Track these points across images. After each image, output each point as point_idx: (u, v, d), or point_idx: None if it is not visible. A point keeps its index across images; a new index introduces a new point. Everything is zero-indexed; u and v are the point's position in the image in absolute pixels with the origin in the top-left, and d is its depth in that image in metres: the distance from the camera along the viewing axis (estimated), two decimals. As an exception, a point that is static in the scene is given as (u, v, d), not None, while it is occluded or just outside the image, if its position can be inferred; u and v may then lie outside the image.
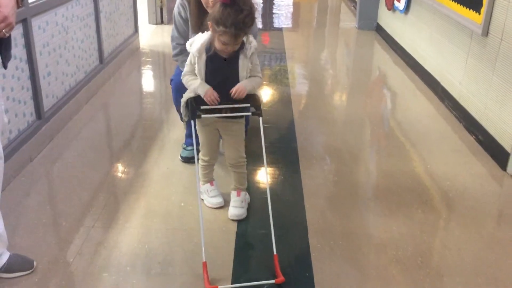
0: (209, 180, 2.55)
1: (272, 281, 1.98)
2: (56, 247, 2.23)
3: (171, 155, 3.06)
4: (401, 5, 5.21)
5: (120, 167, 2.96)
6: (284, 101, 4.07)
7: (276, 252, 2.08)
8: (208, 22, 2.10)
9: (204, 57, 2.18)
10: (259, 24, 7.21)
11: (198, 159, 2.42)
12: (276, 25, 7.29)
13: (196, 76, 2.22)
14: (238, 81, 2.20)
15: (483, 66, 3.30)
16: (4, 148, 2.65)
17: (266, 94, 4.24)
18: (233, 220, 2.42)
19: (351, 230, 2.39)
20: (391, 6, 5.64)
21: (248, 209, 2.48)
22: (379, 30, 6.28)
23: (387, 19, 5.95)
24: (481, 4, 3.27)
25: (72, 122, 3.49)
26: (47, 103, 3.21)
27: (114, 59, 4.55)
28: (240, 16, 2.01)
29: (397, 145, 3.34)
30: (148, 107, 3.99)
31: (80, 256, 2.17)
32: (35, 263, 2.08)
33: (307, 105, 4.09)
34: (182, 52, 2.75)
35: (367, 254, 2.22)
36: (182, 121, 2.57)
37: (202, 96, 2.17)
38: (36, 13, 2.99)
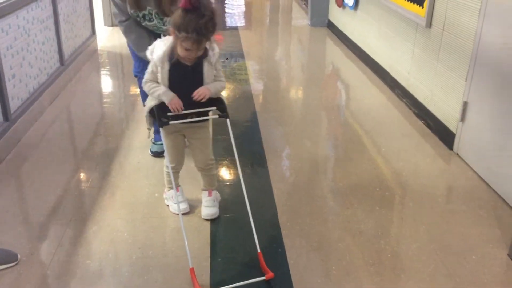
0: (176, 185, 2.46)
1: (263, 278, 2.02)
2: (37, 241, 2.30)
3: (140, 150, 3.16)
4: (350, 2, 5.47)
5: (90, 164, 3.04)
6: (246, 97, 4.23)
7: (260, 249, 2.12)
8: (170, 28, 2.07)
9: (167, 66, 2.14)
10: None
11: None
12: (230, 24, 7.44)
13: (159, 83, 2.19)
14: None
15: (428, 56, 3.57)
16: (-26, 150, 2.69)
17: (228, 91, 4.39)
18: (206, 219, 2.46)
19: (315, 209, 2.57)
20: (341, 3, 5.91)
21: (221, 210, 2.53)
22: (331, 26, 6.54)
23: (338, 16, 6.22)
24: (423, -1, 3.55)
25: (38, 123, 3.53)
26: (13, 105, 3.25)
27: (74, 61, 4.58)
28: (202, 21, 1.97)
29: (353, 132, 3.56)
30: (111, 107, 4.06)
31: (61, 247, 2.25)
32: (19, 256, 2.15)
33: (267, 100, 4.27)
34: (126, 28, 2.71)
35: (332, 228, 2.41)
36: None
37: (166, 103, 2.15)
38: (-1, 16, 3.03)
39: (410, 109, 3.87)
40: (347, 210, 2.58)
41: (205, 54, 2.15)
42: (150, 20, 2.63)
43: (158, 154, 3.05)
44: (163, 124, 2.18)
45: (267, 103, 4.17)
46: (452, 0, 3.19)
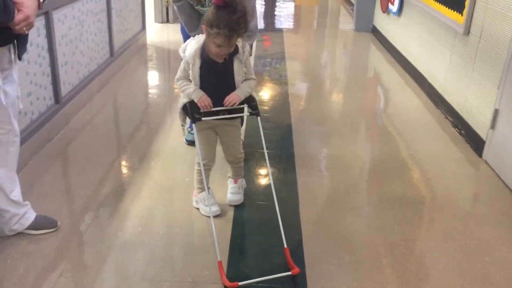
0: (207, 186, 2.44)
1: (289, 273, 2.06)
2: (76, 212, 2.52)
3: (177, 139, 3.35)
4: (394, 8, 5.51)
5: (131, 148, 3.25)
6: (282, 97, 4.36)
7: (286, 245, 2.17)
8: (202, 26, 2.12)
9: (198, 63, 2.19)
10: (261, 24, 7.51)
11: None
12: (278, 25, 7.59)
13: (190, 81, 2.26)
14: (233, 86, 2.25)
15: (465, 63, 3.59)
16: (26, 128, 2.96)
17: (265, 90, 4.53)
18: (231, 205, 2.57)
19: (336, 203, 2.68)
20: (385, 9, 5.94)
21: (244, 199, 2.62)
22: (375, 31, 6.58)
23: (382, 21, 6.25)
24: (463, 6, 3.57)
25: (85, 109, 3.79)
26: (64, 89, 3.51)
27: (123, 53, 4.85)
28: (234, 17, 2.02)
29: (386, 134, 3.63)
30: (155, 97, 4.29)
31: (97, 219, 2.46)
32: (58, 223, 2.37)
33: (303, 100, 4.38)
34: (179, 8, 2.79)
35: (350, 222, 2.51)
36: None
37: (196, 101, 2.22)
38: (56, 7, 3.29)
39: (444, 115, 3.89)
40: (367, 206, 2.67)
41: (235, 51, 2.20)
42: (203, 6, 2.73)
43: (192, 143, 3.22)
44: (195, 120, 2.24)
45: (302, 103, 4.28)
46: (490, 8, 3.21)
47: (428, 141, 3.49)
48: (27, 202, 2.31)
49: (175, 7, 2.83)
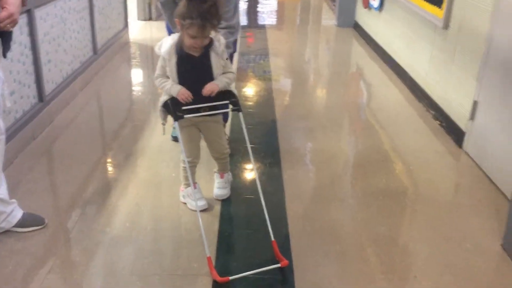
0: (193, 182, 2.49)
1: (278, 265, 2.08)
2: (63, 209, 2.53)
3: (162, 135, 3.35)
4: (375, 3, 5.58)
5: (116, 145, 3.26)
6: (266, 92, 4.40)
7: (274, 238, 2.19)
8: (175, 20, 2.15)
9: (174, 58, 2.21)
10: (244, 20, 7.53)
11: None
12: (261, 22, 7.62)
13: (168, 78, 2.27)
14: (212, 79, 2.25)
15: (445, 57, 3.67)
16: (11, 127, 2.95)
17: (249, 86, 4.56)
18: (217, 200, 2.59)
19: (321, 196, 2.72)
20: (367, 5, 6.01)
21: (231, 195, 2.65)
22: (357, 27, 6.64)
23: (363, 17, 6.32)
24: (442, 0, 3.64)
25: (69, 107, 3.78)
26: (48, 87, 3.50)
27: (106, 51, 4.83)
28: (205, 6, 2.05)
29: (369, 128, 3.69)
30: (139, 95, 4.29)
31: (84, 215, 2.47)
32: (46, 220, 2.37)
33: (286, 96, 4.42)
34: (163, 5, 2.80)
35: (335, 214, 2.55)
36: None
37: (175, 96, 2.22)
38: (38, 5, 3.28)
39: (426, 108, 3.96)
40: (351, 199, 2.72)
41: (211, 44, 2.21)
42: None
43: (177, 139, 3.23)
44: (178, 117, 2.23)
45: (287, 99, 4.32)
46: (468, 2, 3.28)
47: (410, 134, 3.56)
48: (13, 200, 2.31)
49: (159, 4, 2.84)
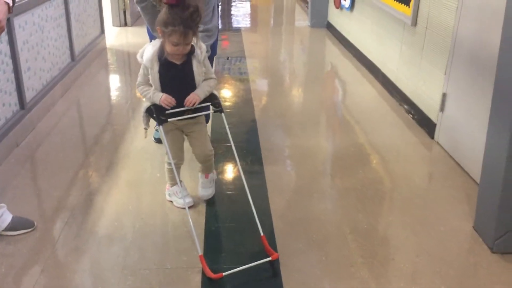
0: (178, 180, 2.54)
1: (269, 258, 2.15)
2: (51, 212, 2.58)
3: (143, 138, 3.41)
4: (346, 3, 5.74)
5: (98, 149, 3.31)
6: (245, 92, 4.50)
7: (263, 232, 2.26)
8: (157, 28, 2.17)
9: (156, 66, 2.23)
10: (219, 24, 7.61)
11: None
12: (235, 25, 7.72)
13: (151, 85, 2.29)
14: (194, 86, 2.30)
15: (414, 52, 3.83)
16: (-6, 134, 2.98)
17: (228, 87, 4.66)
18: (203, 200, 2.63)
19: (302, 187, 2.83)
20: (338, 5, 6.17)
21: (216, 192, 2.70)
22: (330, 27, 6.80)
23: (335, 17, 6.48)
24: (410, -1, 3.80)
25: (50, 113, 3.82)
26: (29, 95, 3.53)
27: (84, 57, 4.87)
28: (187, 13, 2.07)
29: (345, 123, 3.82)
30: (118, 99, 4.34)
31: (72, 217, 2.53)
32: (35, 223, 2.42)
33: (265, 96, 4.53)
34: (142, 9, 2.82)
35: (316, 204, 2.67)
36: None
37: (158, 103, 2.26)
38: (17, 13, 3.31)
39: (398, 102, 4.12)
40: (331, 189, 2.84)
41: (192, 51, 2.24)
42: None
43: (160, 141, 3.31)
44: (162, 122, 2.27)
45: (265, 99, 4.43)
46: (434, -1, 3.45)
47: (384, 128, 3.71)
48: (2, 204, 2.36)
49: (138, 8, 2.89)
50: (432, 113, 3.49)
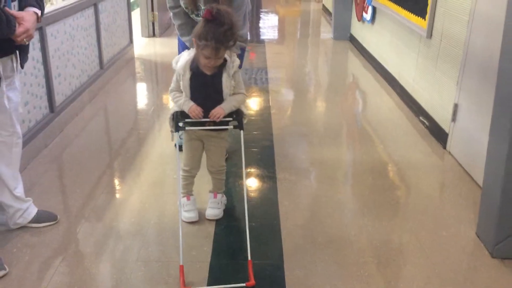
0: (187, 193, 2.61)
1: (243, 284, 2.11)
2: (74, 207, 2.76)
3: (165, 143, 3.59)
4: (368, 16, 5.84)
5: (122, 151, 3.49)
6: (263, 100, 4.65)
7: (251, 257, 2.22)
8: (192, 39, 2.26)
9: (188, 74, 2.30)
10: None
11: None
12: (262, 36, 7.89)
13: (182, 92, 2.36)
14: (221, 98, 2.34)
15: (429, 64, 3.90)
16: (24, 135, 3.18)
17: (251, 98, 4.81)
18: (209, 220, 2.62)
19: (312, 192, 2.94)
20: (360, 17, 6.27)
21: (225, 212, 2.68)
22: (352, 39, 6.90)
23: (358, 29, 6.58)
24: (425, 11, 3.89)
25: (78, 118, 4.03)
26: (58, 99, 3.75)
27: (112, 66, 5.10)
28: (221, 30, 2.13)
29: (363, 132, 3.92)
30: (143, 106, 4.54)
31: (93, 212, 2.70)
32: (58, 217, 2.60)
33: (284, 105, 4.66)
34: (174, 15, 2.95)
35: (324, 207, 2.77)
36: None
37: (186, 111, 2.32)
38: (49, 22, 3.55)
39: (414, 112, 4.18)
40: (339, 194, 2.94)
41: (224, 64, 2.31)
42: (198, 15, 2.85)
43: (181, 148, 3.45)
44: (178, 129, 2.33)
45: (283, 109, 4.56)
46: (447, 12, 3.53)
47: (399, 137, 3.78)
48: (29, 198, 2.55)
49: (171, 14, 2.98)
50: (444, 123, 3.55)
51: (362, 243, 2.45)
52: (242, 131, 2.39)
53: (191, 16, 2.95)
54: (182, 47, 3.08)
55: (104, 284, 2.17)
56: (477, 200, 2.83)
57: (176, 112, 2.36)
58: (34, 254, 2.35)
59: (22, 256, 2.33)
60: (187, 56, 2.34)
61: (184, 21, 2.97)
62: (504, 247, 2.33)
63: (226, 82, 2.33)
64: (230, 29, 2.17)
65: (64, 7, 3.83)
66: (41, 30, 3.41)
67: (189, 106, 2.32)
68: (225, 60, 2.31)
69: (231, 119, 2.38)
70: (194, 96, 2.34)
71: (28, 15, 2.15)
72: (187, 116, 2.33)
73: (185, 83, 2.33)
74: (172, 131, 2.47)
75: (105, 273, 2.23)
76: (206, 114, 2.33)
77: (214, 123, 2.35)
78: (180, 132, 3.05)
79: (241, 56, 3.02)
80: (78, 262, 2.30)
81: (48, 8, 3.59)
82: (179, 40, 3.19)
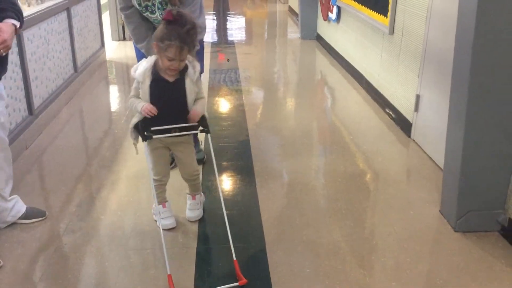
0: (162, 201, 2.58)
1: (236, 284, 2.15)
2: (61, 203, 2.86)
3: (135, 154, 3.69)
4: (333, 16, 6.07)
5: (101, 149, 3.60)
6: (236, 99, 4.81)
7: (236, 257, 2.25)
8: (153, 43, 2.23)
9: (148, 81, 2.26)
10: (214, 37, 7.96)
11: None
12: (230, 38, 8.05)
13: (140, 99, 2.31)
14: (185, 104, 2.31)
15: (392, 59, 4.14)
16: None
17: (221, 96, 4.97)
18: (191, 221, 2.65)
19: (290, 182, 3.12)
20: (326, 17, 6.51)
21: (206, 213, 2.72)
22: (319, 38, 7.14)
23: (324, 29, 6.82)
24: (387, 9, 4.13)
25: (56, 119, 4.11)
26: (36, 102, 3.83)
27: (86, 69, 5.18)
28: (184, 29, 2.14)
29: (332, 125, 4.13)
30: (117, 107, 4.64)
31: (79, 207, 2.81)
32: (47, 213, 2.70)
33: (257, 103, 4.83)
34: (126, 17, 2.86)
35: (300, 194, 2.95)
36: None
37: (139, 111, 2.27)
38: (26, 27, 3.62)
39: (380, 105, 4.42)
40: (314, 181, 3.12)
41: (186, 69, 2.29)
42: (152, 12, 2.75)
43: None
44: (146, 138, 2.28)
45: (257, 106, 4.73)
46: (407, 9, 3.77)
47: (367, 129, 4.00)
48: (13, 196, 2.61)
49: (123, 16, 2.88)
50: (408, 113, 3.79)
51: (336, 221, 2.64)
52: (209, 135, 2.42)
53: (144, 14, 2.81)
54: (141, 56, 2.95)
55: (96, 272, 2.29)
56: (440, 182, 3.06)
57: (139, 122, 2.31)
58: (26, 247, 2.45)
59: (14, 248, 2.42)
60: (146, 63, 2.30)
61: (137, 24, 2.86)
62: (465, 221, 2.55)
63: (191, 89, 2.31)
64: (193, 28, 2.19)
65: (38, 11, 3.91)
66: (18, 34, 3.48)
67: (142, 105, 2.27)
68: (186, 65, 2.29)
69: (196, 123, 2.37)
70: (154, 102, 2.28)
71: (6, 26, 2.20)
72: (151, 124, 2.28)
73: (144, 90, 2.28)
74: (134, 144, 2.47)
75: (96, 263, 2.35)
76: (168, 122, 2.29)
77: (180, 129, 2.35)
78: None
79: (200, 54, 2.94)
80: (70, 253, 2.41)
81: (24, 12, 3.65)
82: (135, 48, 3.09)
